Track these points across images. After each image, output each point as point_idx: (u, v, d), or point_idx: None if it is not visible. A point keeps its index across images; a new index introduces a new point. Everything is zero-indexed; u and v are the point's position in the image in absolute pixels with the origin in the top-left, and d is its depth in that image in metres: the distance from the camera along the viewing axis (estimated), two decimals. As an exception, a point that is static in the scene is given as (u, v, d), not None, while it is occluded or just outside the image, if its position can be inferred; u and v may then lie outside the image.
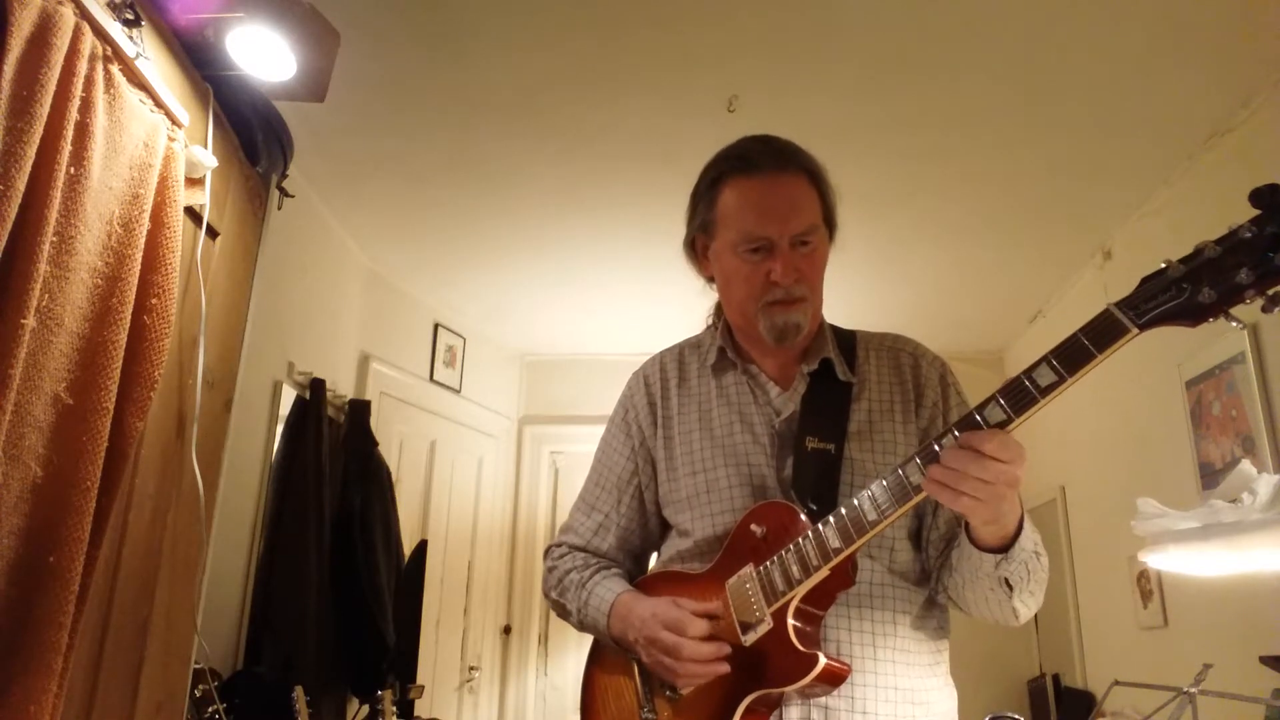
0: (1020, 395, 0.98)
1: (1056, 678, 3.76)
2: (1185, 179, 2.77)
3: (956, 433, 1.02)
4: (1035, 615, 4.36)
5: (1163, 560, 1.76)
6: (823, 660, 1.12)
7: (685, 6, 2.19)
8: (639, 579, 1.37)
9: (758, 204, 1.28)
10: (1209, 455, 2.61)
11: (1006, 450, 0.99)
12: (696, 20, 2.23)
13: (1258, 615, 2.31)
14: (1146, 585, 2.99)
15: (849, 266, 3.51)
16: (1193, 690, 1.66)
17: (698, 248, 1.40)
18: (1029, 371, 0.98)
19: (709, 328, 1.46)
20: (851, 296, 3.78)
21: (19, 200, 1.08)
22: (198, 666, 1.76)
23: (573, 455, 4.57)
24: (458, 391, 4.23)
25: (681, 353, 1.46)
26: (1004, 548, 1.11)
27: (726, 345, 1.38)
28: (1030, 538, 1.13)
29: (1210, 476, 2.59)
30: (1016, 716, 2.69)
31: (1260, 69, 2.31)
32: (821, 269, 1.33)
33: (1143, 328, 0.93)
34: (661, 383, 1.42)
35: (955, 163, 2.83)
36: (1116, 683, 1.93)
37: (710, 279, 1.41)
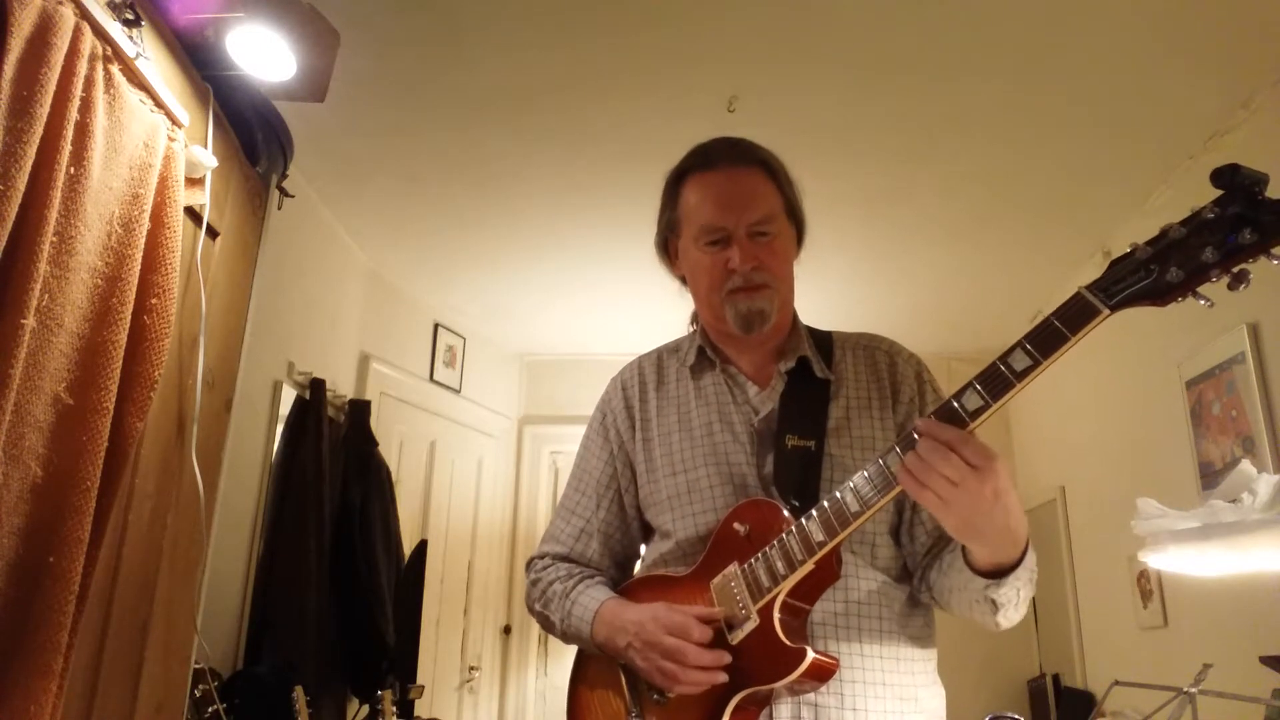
0: (997, 381, 0.99)
1: (1056, 678, 3.76)
2: (1185, 179, 2.77)
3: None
4: (1035, 615, 4.33)
5: (1163, 560, 1.75)
6: (810, 654, 1.11)
7: (685, 6, 2.19)
8: (622, 585, 1.37)
9: (714, 196, 1.32)
10: (1209, 455, 2.61)
11: (977, 455, 0.98)
12: (696, 20, 2.23)
13: (1258, 615, 2.31)
14: (1146, 585, 2.99)
15: (849, 267, 3.52)
16: (1193, 690, 1.66)
17: (669, 249, 1.43)
18: (1004, 357, 0.99)
19: (689, 334, 1.48)
20: (851, 297, 3.78)
21: (19, 200, 1.08)
22: (198, 666, 1.76)
23: (572, 455, 4.48)
24: (458, 391, 4.23)
25: (659, 357, 1.47)
26: (997, 574, 1.09)
27: (705, 344, 1.39)
28: (1028, 567, 1.10)
29: (1210, 476, 2.58)
30: (1016, 716, 2.70)
31: (1260, 69, 2.31)
32: (784, 259, 1.34)
33: (1114, 308, 0.94)
34: (639, 386, 1.44)
35: (955, 163, 2.83)
36: (1116, 683, 1.93)
37: (682, 279, 1.43)
